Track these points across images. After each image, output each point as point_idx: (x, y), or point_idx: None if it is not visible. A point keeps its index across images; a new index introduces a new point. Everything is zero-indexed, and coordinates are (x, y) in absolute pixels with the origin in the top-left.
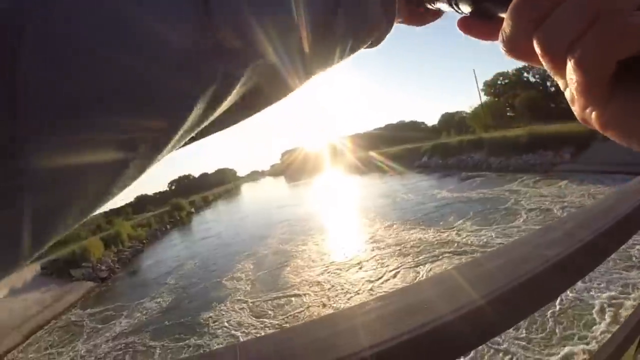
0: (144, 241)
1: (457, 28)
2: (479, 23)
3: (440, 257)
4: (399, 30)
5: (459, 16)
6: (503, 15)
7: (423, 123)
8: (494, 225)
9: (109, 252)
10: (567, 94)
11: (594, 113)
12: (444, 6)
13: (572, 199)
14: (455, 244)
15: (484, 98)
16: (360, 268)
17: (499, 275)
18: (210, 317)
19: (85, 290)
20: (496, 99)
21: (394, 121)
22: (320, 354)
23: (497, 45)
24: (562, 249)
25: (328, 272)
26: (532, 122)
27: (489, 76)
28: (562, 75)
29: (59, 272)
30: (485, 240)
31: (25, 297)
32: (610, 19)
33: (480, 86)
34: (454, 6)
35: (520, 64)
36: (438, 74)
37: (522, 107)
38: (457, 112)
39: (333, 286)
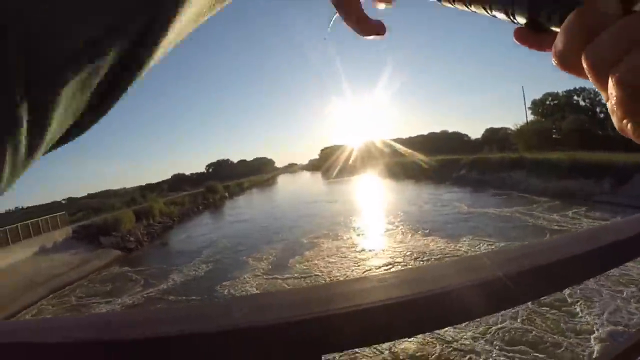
0: (175, 218)
1: (513, 38)
2: (533, 34)
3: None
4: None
5: (509, 31)
6: (555, 28)
7: (466, 135)
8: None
9: (139, 225)
10: (609, 106)
11: (629, 125)
12: (500, 15)
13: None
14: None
15: (531, 117)
16: (368, 260)
17: (514, 261)
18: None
19: (112, 257)
20: (543, 120)
21: (437, 130)
22: (325, 304)
23: (548, 65)
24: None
25: (336, 262)
26: (578, 147)
27: (537, 95)
28: (605, 89)
29: (89, 238)
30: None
31: (54, 256)
32: None
33: (528, 104)
34: (511, 16)
35: (570, 86)
36: (486, 87)
37: (568, 130)
38: (501, 128)
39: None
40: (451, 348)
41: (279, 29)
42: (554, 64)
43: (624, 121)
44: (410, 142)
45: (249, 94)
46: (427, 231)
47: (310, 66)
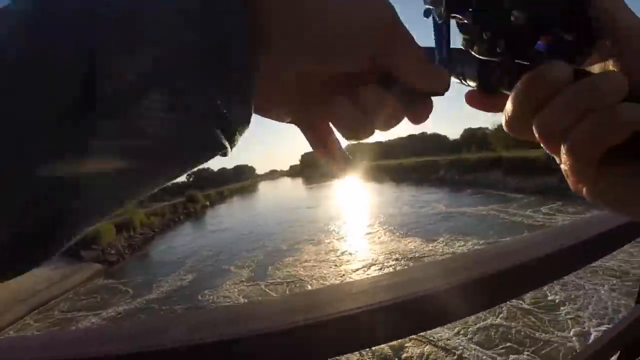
0: (156, 229)
1: (465, 100)
2: (485, 96)
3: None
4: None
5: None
6: (506, 92)
7: (445, 137)
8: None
9: (119, 237)
10: (562, 168)
11: (584, 189)
12: (452, 78)
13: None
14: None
15: None
16: (348, 263)
17: (487, 263)
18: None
19: (93, 271)
20: None
21: (417, 132)
22: (306, 313)
23: None
24: (548, 251)
25: (317, 266)
26: None
27: None
28: (557, 154)
29: (70, 252)
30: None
31: (34, 272)
32: (598, 116)
33: None
34: (461, 79)
35: None
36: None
37: None
38: (479, 128)
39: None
40: (433, 346)
41: None
42: (504, 129)
43: (579, 185)
44: (390, 145)
45: None
46: (405, 232)
47: None
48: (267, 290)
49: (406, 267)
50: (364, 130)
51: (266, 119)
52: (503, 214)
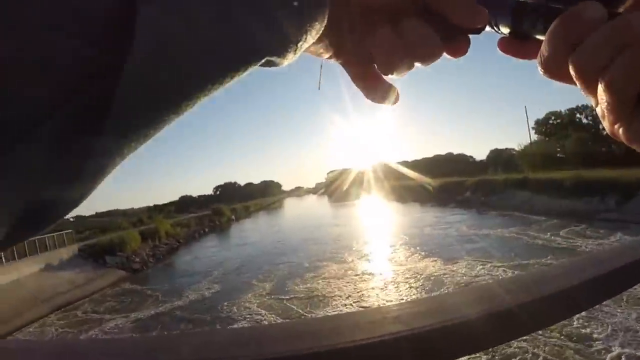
0: (181, 240)
1: (497, 48)
2: (518, 43)
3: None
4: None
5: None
6: (540, 37)
7: (471, 157)
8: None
9: (144, 246)
10: (598, 111)
11: (621, 129)
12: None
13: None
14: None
15: (534, 137)
16: (368, 281)
17: (518, 292)
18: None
19: (117, 278)
20: (546, 139)
21: (443, 152)
22: (329, 339)
23: (550, 84)
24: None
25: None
26: (581, 165)
27: (541, 114)
28: (594, 94)
29: (95, 257)
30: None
31: (58, 274)
32: (635, 51)
33: (532, 124)
34: (494, 27)
35: (573, 104)
36: (489, 108)
37: (572, 149)
38: (505, 149)
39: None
40: None
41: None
42: (540, 72)
43: (616, 125)
44: (415, 165)
45: (257, 117)
46: (426, 253)
47: (315, 90)
48: (288, 304)
49: (439, 292)
50: (403, 63)
51: (290, 132)
52: (526, 237)
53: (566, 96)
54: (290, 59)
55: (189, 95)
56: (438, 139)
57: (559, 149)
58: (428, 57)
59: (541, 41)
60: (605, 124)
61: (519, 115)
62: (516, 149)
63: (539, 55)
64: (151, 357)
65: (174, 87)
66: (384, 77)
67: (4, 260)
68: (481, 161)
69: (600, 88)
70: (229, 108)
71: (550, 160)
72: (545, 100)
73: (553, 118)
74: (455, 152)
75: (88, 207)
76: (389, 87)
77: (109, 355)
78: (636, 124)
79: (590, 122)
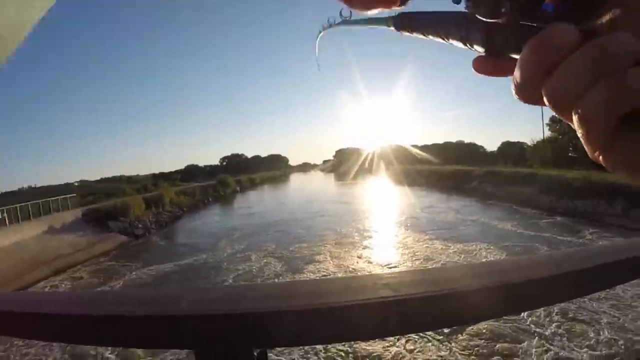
0: (184, 209)
1: (472, 67)
2: (492, 61)
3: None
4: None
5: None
6: (513, 55)
7: (482, 147)
8: None
9: (148, 212)
10: (579, 135)
11: (601, 157)
12: (458, 44)
13: None
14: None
15: (548, 133)
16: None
17: (512, 272)
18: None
19: (119, 242)
20: (560, 137)
21: (454, 140)
22: (323, 298)
23: None
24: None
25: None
26: (592, 165)
27: None
28: (570, 121)
29: (98, 222)
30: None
31: (61, 237)
32: (611, 79)
33: (546, 121)
34: (468, 45)
35: None
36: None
37: (583, 149)
38: (517, 143)
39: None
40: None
41: (300, 24)
42: (514, 95)
43: (596, 153)
44: (424, 150)
45: (267, 91)
46: (429, 236)
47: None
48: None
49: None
50: None
51: (302, 108)
52: (530, 231)
53: None
54: None
55: None
56: (450, 126)
57: (571, 148)
58: None
59: (516, 59)
60: (586, 148)
61: (534, 110)
62: (528, 143)
63: (512, 78)
64: (157, 307)
65: None
66: None
67: (7, 222)
68: (492, 152)
69: (575, 119)
70: (241, 80)
71: (561, 158)
72: None
73: None
74: (466, 141)
75: (94, 172)
76: None
77: (116, 303)
78: (616, 152)
79: None
